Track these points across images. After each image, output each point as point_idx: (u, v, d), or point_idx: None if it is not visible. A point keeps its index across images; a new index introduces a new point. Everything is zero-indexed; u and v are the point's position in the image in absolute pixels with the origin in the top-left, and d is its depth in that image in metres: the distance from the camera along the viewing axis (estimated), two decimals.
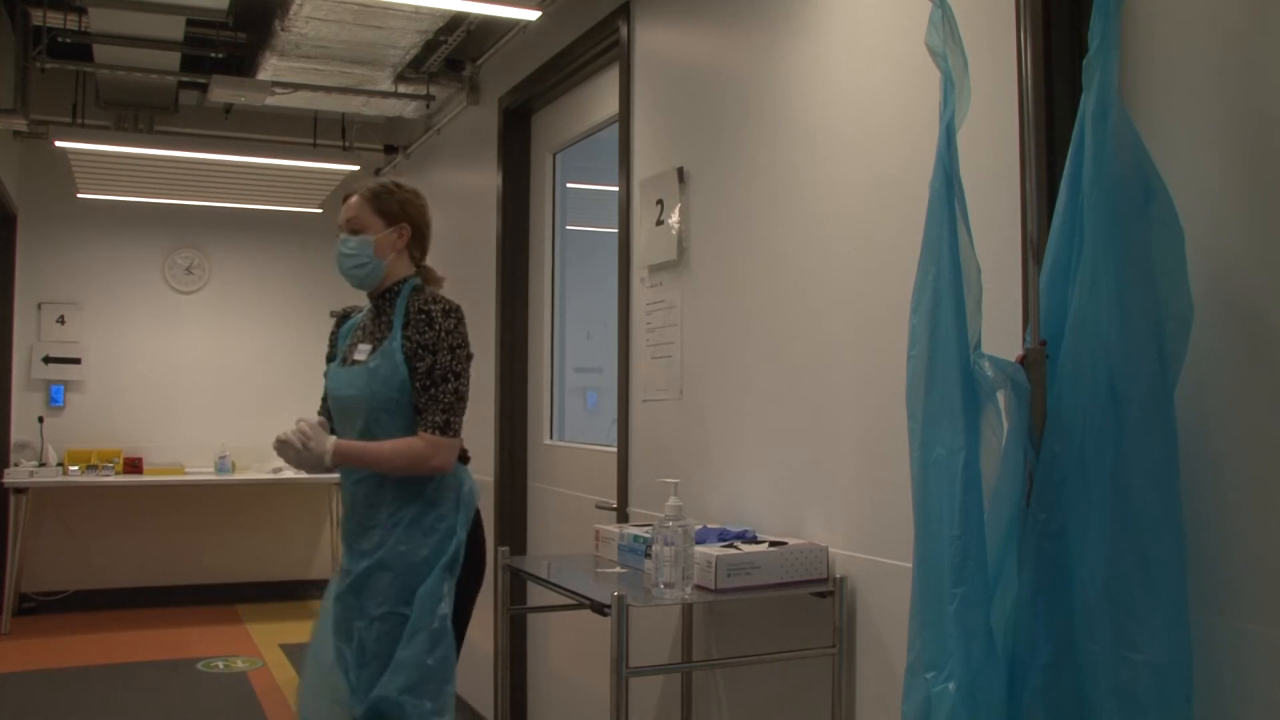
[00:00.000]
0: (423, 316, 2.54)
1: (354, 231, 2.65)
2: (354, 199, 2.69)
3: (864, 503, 2.13)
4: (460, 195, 4.82)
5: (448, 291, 2.69)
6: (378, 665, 2.47)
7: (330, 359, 2.77)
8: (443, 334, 2.52)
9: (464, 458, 2.64)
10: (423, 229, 2.72)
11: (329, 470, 2.58)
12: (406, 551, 2.49)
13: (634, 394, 3.09)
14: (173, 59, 4.92)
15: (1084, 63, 1.49)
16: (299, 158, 5.90)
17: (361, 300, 2.76)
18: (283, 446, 2.52)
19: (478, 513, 2.64)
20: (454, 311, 2.57)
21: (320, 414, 2.72)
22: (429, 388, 2.51)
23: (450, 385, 2.52)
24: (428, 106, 5.08)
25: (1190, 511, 1.43)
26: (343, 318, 2.84)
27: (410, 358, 2.53)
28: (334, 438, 2.53)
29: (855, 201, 2.19)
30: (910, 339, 1.61)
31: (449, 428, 2.51)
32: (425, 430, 2.51)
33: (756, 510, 2.47)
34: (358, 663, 2.51)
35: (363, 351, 2.63)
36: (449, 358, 2.52)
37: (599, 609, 2.06)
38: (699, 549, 2.13)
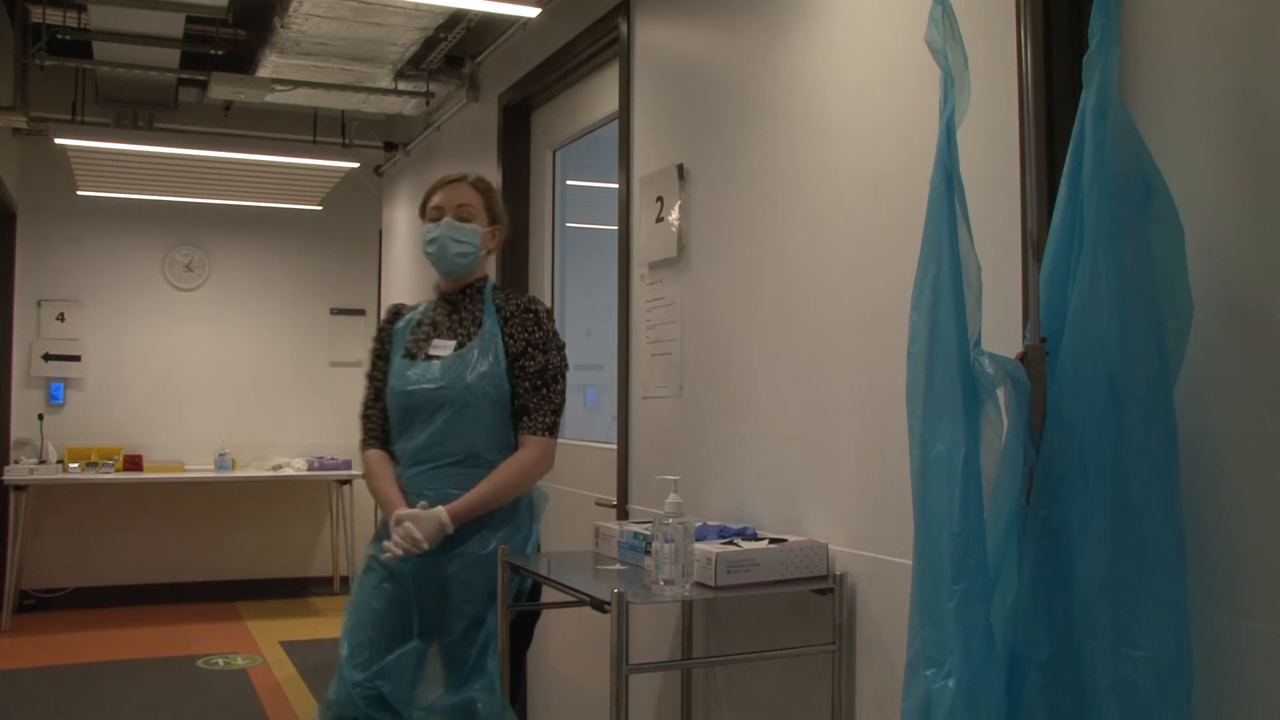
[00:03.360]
0: (529, 316, 2.54)
1: (465, 219, 2.57)
2: (464, 186, 2.61)
3: (864, 500, 2.13)
4: None
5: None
6: (466, 663, 2.48)
7: (381, 356, 2.64)
8: (550, 334, 2.55)
9: None
10: (506, 235, 2.72)
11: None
12: (488, 555, 2.49)
13: (634, 391, 3.08)
14: (172, 56, 4.92)
15: (1084, 60, 1.49)
16: (299, 155, 5.90)
17: (408, 297, 2.71)
18: (404, 550, 2.41)
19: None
20: (551, 313, 2.60)
21: (364, 414, 2.63)
22: (540, 388, 2.50)
23: (559, 386, 2.54)
24: (427, 103, 5.07)
25: (1190, 509, 1.43)
26: (394, 315, 2.71)
27: (519, 356, 2.50)
28: (441, 508, 2.42)
29: (855, 198, 2.19)
30: (910, 336, 1.61)
31: (555, 429, 2.53)
32: (532, 433, 2.49)
33: (756, 507, 2.47)
34: (447, 652, 2.50)
35: (443, 346, 2.53)
36: (558, 358, 2.55)
37: (599, 606, 2.06)
38: (699, 546, 2.13)
